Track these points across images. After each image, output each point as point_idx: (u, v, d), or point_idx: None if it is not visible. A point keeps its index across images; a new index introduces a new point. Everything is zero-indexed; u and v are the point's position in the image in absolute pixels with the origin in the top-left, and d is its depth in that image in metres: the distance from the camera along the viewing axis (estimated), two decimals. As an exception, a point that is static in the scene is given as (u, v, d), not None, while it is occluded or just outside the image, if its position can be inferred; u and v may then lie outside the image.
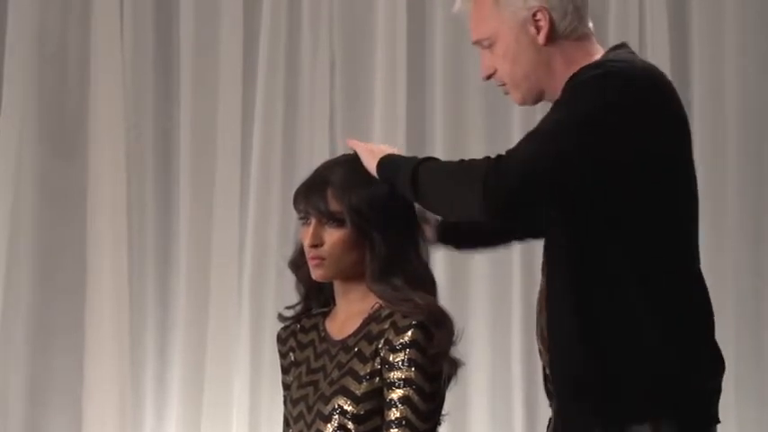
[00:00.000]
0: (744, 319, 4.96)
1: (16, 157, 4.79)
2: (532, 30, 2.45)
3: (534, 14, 2.45)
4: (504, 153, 2.31)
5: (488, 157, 2.31)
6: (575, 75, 2.39)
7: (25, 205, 4.80)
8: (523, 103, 2.54)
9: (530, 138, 2.32)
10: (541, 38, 2.45)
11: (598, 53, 2.51)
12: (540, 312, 2.54)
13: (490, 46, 2.48)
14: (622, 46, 2.54)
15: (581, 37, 2.51)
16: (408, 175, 2.40)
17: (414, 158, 2.46)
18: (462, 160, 2.37)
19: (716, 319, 4.99)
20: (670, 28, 5.00)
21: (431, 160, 2.43)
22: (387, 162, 2.48)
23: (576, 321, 2.37)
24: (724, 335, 4.88)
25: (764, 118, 5.02)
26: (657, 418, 2.33)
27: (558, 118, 2.32)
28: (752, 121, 5.01)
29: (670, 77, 4.99)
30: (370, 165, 2.50)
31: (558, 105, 2.38)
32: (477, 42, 2.51)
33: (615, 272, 2.35)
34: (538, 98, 2.52)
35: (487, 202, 2.25)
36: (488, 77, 2.53)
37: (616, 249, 2.35)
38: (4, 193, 4.77)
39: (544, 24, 2.45)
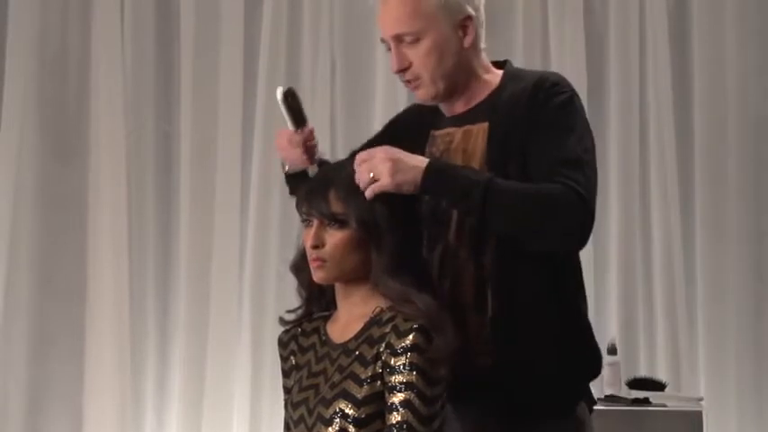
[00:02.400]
0: (744, 319, 4.97)
1: (16, 160, 4.80)
2: (460, 33, 2.68)
3: (464, 20, 2.67)
4: (581, 188, 2.50)
5: (572, 189, 2.50)
6: (548, 90, 2.62)
7: (25, 210, 4.80)
8: (433, 99, 2.71)
9: (585, 170, 2.56)
10: (468, 42, 2.68)
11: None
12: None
13: (414, 41, 2.65)
14: (508, 61, 2.79)
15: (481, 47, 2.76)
16: (480, 196, 2.49)
17: (472, 176, 2.53)
18: (539, 190, 2.51)
19: (716, 318, 5.03)
20: (670, 29, 5.00)
21: (497, 183, 2.51)
22: (436, 173, 2.52)
23: (552, 324, 2.60)
24: (724, 335, 4.93)
25: (764, 118, 5.02)
26: (583, 402, 2.67)
27: (585, 147, 2.59)
28: (752, 122, 5.02)
29: (670, 78, 5.05)
30: (408, 173, 2.51)
31: (563, 124, 2.59)
32: (397, 36, 2.66)
33: (573, 279, 2.68)
34: (447, 97, 2.71)
35: (584, 237, 2.52)
36: (401, 71, 2.68)
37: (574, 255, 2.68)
38: (4, 197, 4.77)
39: (471, 31, 2.69)
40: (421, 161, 2.53)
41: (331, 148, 4.76)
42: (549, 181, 2.51)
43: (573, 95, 2.64)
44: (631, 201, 4.94)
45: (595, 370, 2.69)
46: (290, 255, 2.68)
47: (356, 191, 2.51)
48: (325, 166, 2.66)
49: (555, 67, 4.88)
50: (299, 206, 2.57)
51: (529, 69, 2.80)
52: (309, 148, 2.71)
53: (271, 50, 4.88)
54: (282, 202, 4.81)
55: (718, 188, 5.00)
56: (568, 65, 4.90)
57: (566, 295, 2.64)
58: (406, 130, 2.80)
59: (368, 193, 2.50)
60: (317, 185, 2.54)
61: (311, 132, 2.72)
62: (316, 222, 2.52)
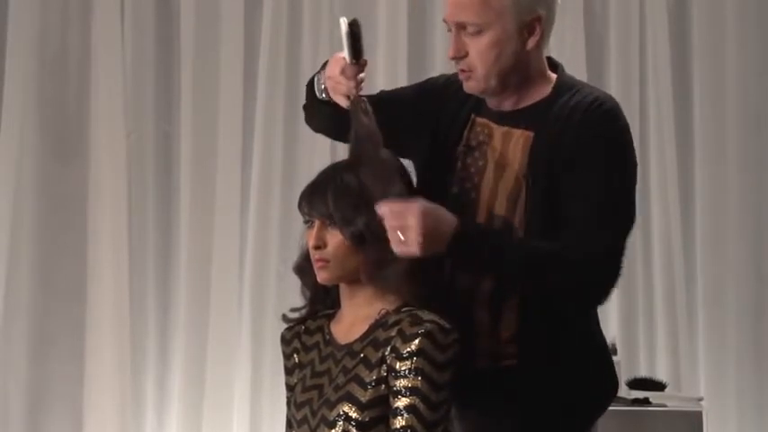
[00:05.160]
0: (744, 319, 4.97)
1: (17, 160, 4.79)
2: (525, 34, 2.59)
3: (533, 21, 2.59)
4: (604, 252, 2.49)
5: (592, 257, 2.48)
6: (601, 118, 2.59)
7: (25, 210, 4.79)
8: (481, 94, 2.63)
9: (617, 221, 2.55)
10: (532, 43, 2.60)
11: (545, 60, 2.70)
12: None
13: (476, 33, 2.57)
14: (560, 66, 2.74)
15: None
16: (497, 265, 2.50)
17: (491, 240, 2.52)
18: (551, 252, 2.50)
19: (716, 318, 5.03)
20: (670, 28, 5.00)
21: (512, 249, 2.51)
22: (460, 243, 2.48)
23: (574, 339, 2.62)
24: (724, 335, 4.93)
25: (765, 118, 5.03)
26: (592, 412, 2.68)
27: (625, 188, 2.59)
28: (752, 122, 5.02)
29: (670, 78, 5.05)
30: (437, 245, 2.46)
31: (607, 161, 2.58)
32: (460, 24, 2.58)
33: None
34: (497, 94, 2.63)
35: (602, 298, 2.53)
36: (456, 59, 2.60)
37: None
38: (4, 197, 4.77)
39: (538, 33, 2.61)
40: (448, 227, 2.45)
41: (331, 149, 4.75)
42: (580, 229, 2.49)
43: (625, 127, 2.62)
44: (631, 201, 4.93)
45: (612, 393, 2.68)
46: (291, 255, 2.68)
47: (347, 202, 2.49)
48: (328, 166, 2.63)
49: (554, 66, 4.88)
50: (300, 206, 2.56)
51: (580, 81, 2.73)
52: (359, 81, 2.64)
53: (271, 50, 4.88)
54: (282, 203, 4.80)
55: (718, 188, 5.00)
56: (568, 65, 4.88)
57: (590, 311, 2.65)
58: (440, 99, 2.70)
59: (396, 251, 2.44)
60: (318, 186, 2.54)
61: (365, 66, 2.63)
62: (317, 223, 2.52)
